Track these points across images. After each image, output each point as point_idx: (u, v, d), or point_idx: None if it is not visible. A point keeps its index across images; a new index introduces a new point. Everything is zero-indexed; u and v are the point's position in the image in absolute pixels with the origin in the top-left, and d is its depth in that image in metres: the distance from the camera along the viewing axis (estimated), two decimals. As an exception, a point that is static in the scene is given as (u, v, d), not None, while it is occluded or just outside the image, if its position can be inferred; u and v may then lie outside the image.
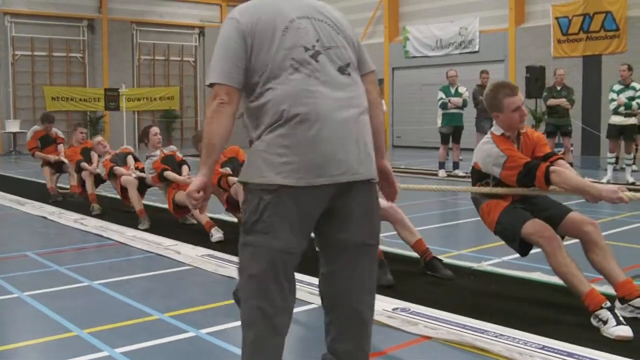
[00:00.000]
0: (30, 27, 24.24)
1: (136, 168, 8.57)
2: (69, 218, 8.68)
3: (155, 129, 8.22)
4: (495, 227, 4.48)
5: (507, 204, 4.43)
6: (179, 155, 8.24)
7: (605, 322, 3.83)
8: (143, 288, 5.23)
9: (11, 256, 6.46)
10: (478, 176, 4.58)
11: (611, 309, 3.89)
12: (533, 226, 4.20)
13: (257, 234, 2.78)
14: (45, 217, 8.85)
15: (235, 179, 7.38)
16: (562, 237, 4.30)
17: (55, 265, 5.96)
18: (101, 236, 7.42)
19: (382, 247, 5.35)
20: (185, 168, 7.95)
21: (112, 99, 22.93)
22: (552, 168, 4.11)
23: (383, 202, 5.40)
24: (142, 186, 8.44)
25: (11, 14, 23.97)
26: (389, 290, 4.79)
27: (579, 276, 4.00)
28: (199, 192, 2.83)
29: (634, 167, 14.06)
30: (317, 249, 3.08)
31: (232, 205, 7.43)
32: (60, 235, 7.71)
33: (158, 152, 8.01)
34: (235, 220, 7.60)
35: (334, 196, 2.83)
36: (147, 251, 6.53)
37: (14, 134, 23.12)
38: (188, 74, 27.70)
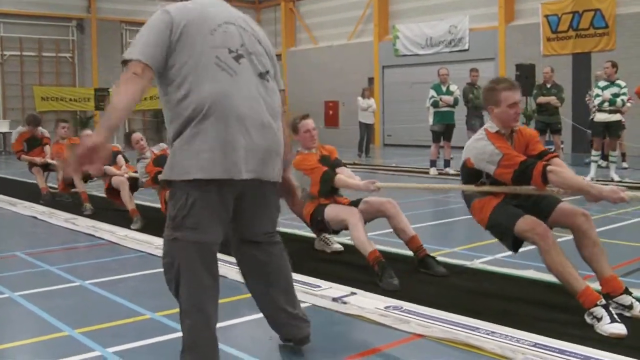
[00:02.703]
0: (19, 27, 24.17)
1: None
2: (59, 218, 8.64)
3: (136, 137, 8.11)
4: (487, 223, 4.43)
5: (498, 200, 4.38)
6: None
7: (599, 320, 3.83)
8: (134, 287, 5.21)
9: (0, 256, 6.42)
10: (469, 173, 4.52)
11: (606, 307, 3.88)
12: (527, 223, 4.15)
13: (186, 229, 3.03)
14: (35, 217, 8.80)
15: None
16: (551, 228, 4.25)
17: (46, 265, 5.93)
18: (92, 236, 7.39)
19: (379, 247, 5.34)
20: None
21: (102, 98, 22.89)
22: (549, 168, 4.04)
23: (381, 197, 5.46)
24: (133, 186, 8.41)
25: (0, 14, 23.87)
26: (381, 289, 4.79)
27: (574, 274, 3.99)
28: (92, 149, 2.73)
29: (624, 165, 14.12)
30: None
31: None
32: (51, 235, 7.68)
33: (149, 154, 7.96)
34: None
35: (244, 191, 3.14)
36: (138, 250, 6.51)
37: (4, 134, 23.03)
38: (178, 73, 27.63)
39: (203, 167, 2.94)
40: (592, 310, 3.89)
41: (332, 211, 5.55)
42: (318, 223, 5.70)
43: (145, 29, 3.03)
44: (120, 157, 8.85)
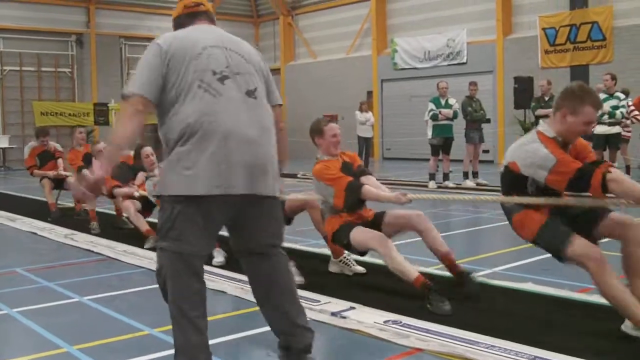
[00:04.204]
0: (19, 42, 24.24)
1: (139, 186, 8.14)
2: (59, 234, 8.63)
3: (146, 151, 7.85)
4: (534, 239, 4.11)
5: (544, 217, 4.05)
6: None
7: None
8: (133, 303, 5.21)
9: (0, 273, 6.41)
10: (513, 179, 4.13)
11: None
12: (580, 247, 3.83)
13: (170, 240, 3.22)
14: (35, 233, 8.80)
15: None
16: (599, 239, 4.00)
17: (45, 281, 5.93)
18: (91, 251, 7.38)
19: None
20: None
21: (101, 113, 22.94)
22: (609, 176, 3.67)
23: (409, 210, 5.21)
24: (149, 205, 8.06)
25: (-1, 29, 23.96)
26: (380, 303, 4.76)
27: (631, 299, 3.72)
28: (96, 184, 3.22)
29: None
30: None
31: None
32: (51, 251, 7.66)
33: (157, 172, 7.75)
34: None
35: (240, 206, 3.27)
36: (137, 266, 6.50)
37: (4, 149, 23.05)
38: (177, 88, 27.67)
39: (187, 184, 3.13)
40: None
41: (359, 236, 5.05)
42: (343, 246, 5.27)
43: (141, 64, 3.25)
44: (141, 174, 8.22)
